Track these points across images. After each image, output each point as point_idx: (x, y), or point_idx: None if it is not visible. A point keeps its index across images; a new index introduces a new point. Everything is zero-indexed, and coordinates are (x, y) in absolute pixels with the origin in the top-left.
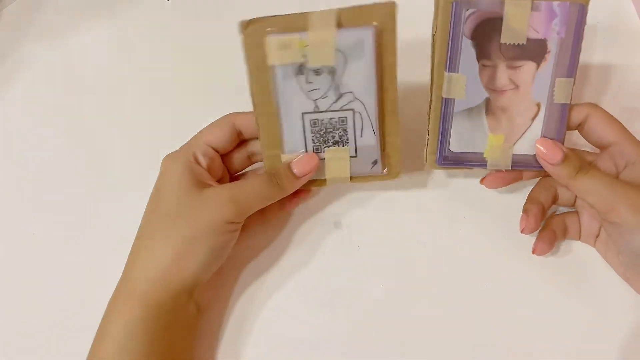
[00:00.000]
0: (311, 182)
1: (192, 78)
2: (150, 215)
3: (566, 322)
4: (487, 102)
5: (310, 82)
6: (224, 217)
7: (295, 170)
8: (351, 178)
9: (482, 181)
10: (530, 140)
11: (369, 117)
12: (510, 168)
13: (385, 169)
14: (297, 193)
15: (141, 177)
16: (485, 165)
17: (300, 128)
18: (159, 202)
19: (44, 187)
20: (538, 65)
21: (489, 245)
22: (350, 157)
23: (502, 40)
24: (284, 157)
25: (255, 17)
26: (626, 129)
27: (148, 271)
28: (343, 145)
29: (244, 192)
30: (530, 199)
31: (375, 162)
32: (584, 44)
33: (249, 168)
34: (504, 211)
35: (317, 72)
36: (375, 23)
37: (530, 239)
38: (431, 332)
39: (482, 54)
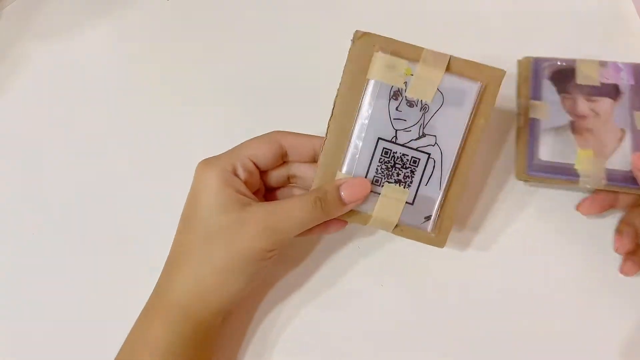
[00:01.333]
0: (350, 215)
1: (192, 78)
2: (189, 228)
3: (573, 322)
4: (572, 124)
5: (400, 111)
6: (263, 249)
7: (343, 194)
8: (395, 226)
9: (578, 207)
10: (623, 157)
11: (441, 167)
12: (604, 183)
13: (435, 232)
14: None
15: (141, 176)
16: (577, 177)
17: (370, 152)
18: (199, 215)
19: (44, 187)
20: (614, 100)
21: (491, 245)
22: (406, 202)
23: (578, 82)
24: (339, 175)
25: (371, 32)
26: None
27: (189, 290)
28: (404, 187)
29: (284, 216)
30: (624, 222)
31: (428, 218)
32: (584, 44)
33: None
34: (509, 210)
35: (410, 103)
36: (482, 81)
37: (534, 239)
38: (431, 332)
39: (562, 89)
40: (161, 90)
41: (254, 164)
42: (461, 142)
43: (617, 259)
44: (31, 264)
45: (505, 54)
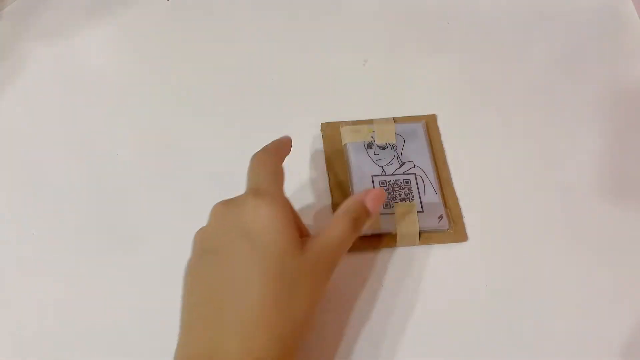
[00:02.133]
0: (380, 242)
1: (192, 78)
2: (261, 273)
3: (573, 322)
4: None
5: (377, 155)
6: (328, 285)
7: (369, 207)
8: (420, 235)
9: None
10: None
11: (429, 179)
12: None
13: (452, 227)
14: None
15: (142, 176)
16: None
17: (370, 187)
18: (267, 258)
19: (44, 187)
20: None
21: (490, 245)
22: (417, 212)
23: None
24: None
25: (331, 121)
26: None
27: (269, 347)
28: (409, 200)
29: (335, 247)
30: None
31: (441, 217)
32: (584, 44)
33: None
34: (509, 210)
35: (382, 147)
36: (422, 120)
37: (534, 240)
38: (431, 332)
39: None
40: (162, 90)
41: None
42: (431, 159)
43: (617, 258)
44: (31, 264)
45: (502, 52)
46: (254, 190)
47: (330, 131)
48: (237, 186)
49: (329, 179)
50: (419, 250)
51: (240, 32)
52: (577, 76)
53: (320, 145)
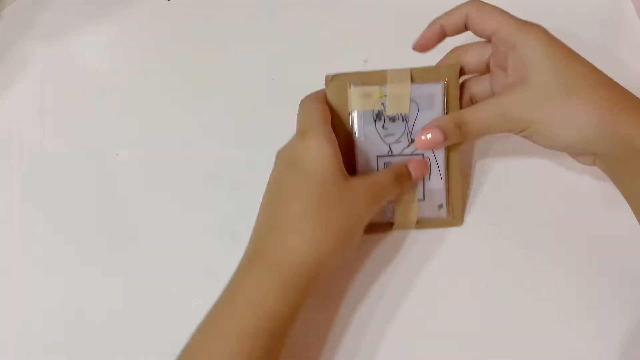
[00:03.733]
0: (377, 228)
1: (192, 78)
2: (300, 195)
3: (573, 322)
4: None
5: (386, 128)
6: (370, 216)
7: (412, 172)
8: (417, 222)
9: (414, 47)
10: None
11: (437, 163)
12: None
13: (450, 214)
14: None
15: (142, 176)
16: None
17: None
18: (309, 177)
19: (44, 187)
20: None
21: (490, 245)
22: (418, 199)
23: None
24: None
25: (337, 73)
26: (509, 15)
27: (306, 253)
28: (414, 189)
29: (380, 189)
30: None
31: (441, 206)
32: (584, 44)
33: None
34: (509, 210)
35: (392, 119)
36: (443, 80)
37: (535, 240)
38: (431, 332)
39: None
40: (162, 90)
41: None
42: None
43: (616, 258)
44: (31, 264)
45: None
46: (302, 132)
47: (337, 89)
48: (238, 186)
49: None
50: (413, 233)
51: (240, 32)
52: None
53: None
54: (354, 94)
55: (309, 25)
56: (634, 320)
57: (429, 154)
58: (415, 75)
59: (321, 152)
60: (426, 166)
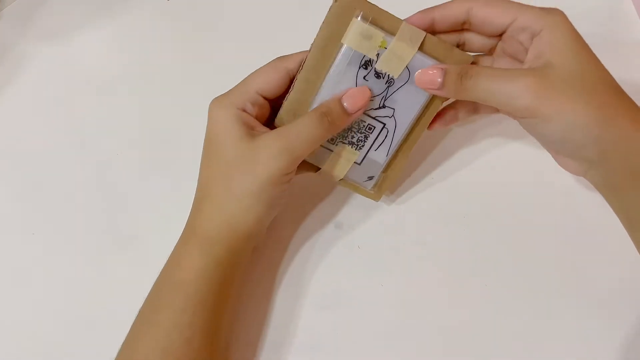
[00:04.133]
0: (302, 166)
1: (192, 78)
2: (209, 164)
3: (568, 322)
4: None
5: (367, 80)
6: (280, 170)
7: (346, 105)
8: (341, 180)
9: (429, 127)
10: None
11: (392, 138)
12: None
13: (374, 189)
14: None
15: (142, 176)
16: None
17: None
18: (215, 151)
19: (44, 187)
20: None
21: (490, 245)
22: (355, 162)
23: None
24: None
25: None
26: (522, 3)
27: (216, 218)
28: (356, 149)
29: (295, 137)
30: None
31: (370, 178)
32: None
33: None
34: (508, 210)
35: (378, 75)
36: (448, 64)
37: (533, 240)
38: (431, 333)
39: None
40: (162, 90)
41: (263, 96)
42: (415, 119)
43: (617, 258)
44: (31, 264)
45: None
46: (217, 98)
47: (341, 11)
48: None
49: (301, 69)
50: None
51: (240, 32)
52: None
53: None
54: (356, 27)
55: (309, 25)
56: (634, 320)
57: (390, 125)
58: (427, 44)
59: (224, 120)
60: (366, 94)
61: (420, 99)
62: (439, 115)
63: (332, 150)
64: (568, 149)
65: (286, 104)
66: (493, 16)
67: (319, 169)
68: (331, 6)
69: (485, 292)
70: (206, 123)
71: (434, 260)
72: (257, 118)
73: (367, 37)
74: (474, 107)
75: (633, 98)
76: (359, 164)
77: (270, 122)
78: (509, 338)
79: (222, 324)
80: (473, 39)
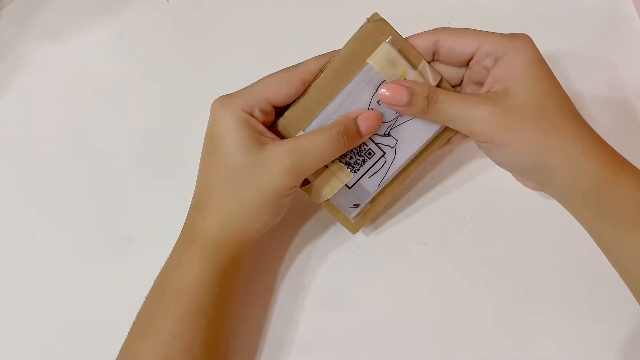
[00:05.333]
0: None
1: (192, 78)
2: (211, 165)
3: (570, 327)
4: None
5: (379, 105)
6: (289, 185)
7: (361, 127)
8: (326, 201)
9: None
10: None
11: (388, 169)
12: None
13: (356, 219)
14: None
15: (141, 177)
16: None
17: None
18: (218, 153)
19: (44, 187)
20: None
21: (490, 245)
22: (346, 185)
23: None
24: (300, 133)
25: (388, 21)
26: (487, 31)
27: (221, 225)
28: (351, 171)
29: (307, 155)
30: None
31: (356, 206)
32: (583, 44)
33: None
34: (509, 211)
35: None
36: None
37: (533, 239)
38: (431, 333)
39: None
40: (162, 90)
41: (272, 104)
42: (414, 155)
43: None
44: (31, 264)
45: None
46: (221, 98)
47: (372, 32)
48: None
49: (318, 76)
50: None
51: (241, 32)
52: (576, 76)
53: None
54: (384, 50)
55: (309, 25)
56: (634, 320)
57: (389, 156)
58: (442, 86)
59: (229, 122)
60: (379, 119)
61: (425, 137)
62: None
63: (326, 167)
64: (521, 172)
65: (293, 109)
66: (460, 45)
67: (306, 182)
68: (363, 24)
69: (485, 292)
70: (214, 114)
71: (434, 260)
72: (263, 124)
73: (392, 63)
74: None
75: (633, 98)
76: (349, 188)
77: (273, 125)
78: (509, 338)
79: (222, 331)
80: (442, 70)
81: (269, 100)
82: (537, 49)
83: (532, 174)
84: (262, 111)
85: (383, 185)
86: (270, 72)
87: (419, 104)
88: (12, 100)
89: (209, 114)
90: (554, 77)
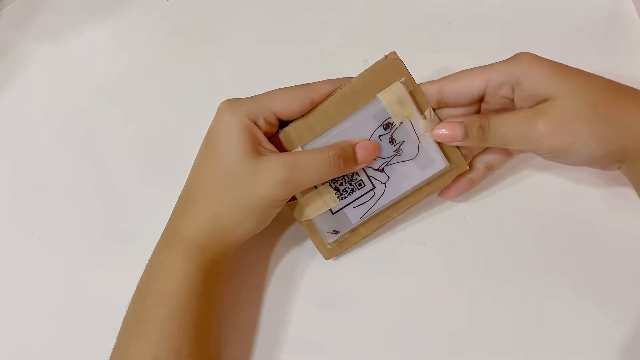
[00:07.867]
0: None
1: (192, 78)
2: (205, 165)
3: (571, 326)
4: None
5: (380, 140)
6: (280, 197)
7: (358, 154)
8: (306, 221)
9: (440, 194)
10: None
11: (374, 204)
12: None
13: (332, 245)
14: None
15: (142, 177)
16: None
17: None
18: (215, 154)
19: (44, 187)
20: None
21: (490, 245)
22: (330, 209)
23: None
24: (297, 149)
25: (404, 62)
26: (483, 66)
27: (207, 227)
28: (339, 197)
29: (302, 171)
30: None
31: (335, 232)
32: (583, 44)
33: None
34: (509, 211)
35: (392, 141)
36: (451, 163)
37: (533, 239)
38: (430, 333)
39: None
40: (161, 90)
41: (277, 117)
42: (402, 196)
43: (617, 258)
44: (31, 264)
45: (502, 53)
46: (230, 101)
47: (387, 69)
48: None
49: (327, 99)
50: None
51: (240, 32)
52: None
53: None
54: (396, 89)
55: (309, 25)
56: (634, 320)
57: (378, 191)
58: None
59: (232, 126)
60: (377, 151)
61: (416, 180)
62: (453, 183)
63: (316, 187)
64: (596, 164)
65: (298, 124)
66: (465, 87)
67: (292, 199)
68: (380, 60)
69: (485, 292)
70: (207, 124)
71: (434, 260)
72: (264, 134)
73: (400, 102)
74: (488, 166)
75: None
76: (333, 213)
77: (274, 135)
78: (509, 337)
79: (210, 331)
80: (452, 113)
81: (275, 113)
82: (542, 57)
83: (612, 158)
84: (267, 121)
85: (366, 218)
86: (270, 72)
87: (474, 135)
88: (12, 100)
89: (215, 114)
90: (573, 68)
